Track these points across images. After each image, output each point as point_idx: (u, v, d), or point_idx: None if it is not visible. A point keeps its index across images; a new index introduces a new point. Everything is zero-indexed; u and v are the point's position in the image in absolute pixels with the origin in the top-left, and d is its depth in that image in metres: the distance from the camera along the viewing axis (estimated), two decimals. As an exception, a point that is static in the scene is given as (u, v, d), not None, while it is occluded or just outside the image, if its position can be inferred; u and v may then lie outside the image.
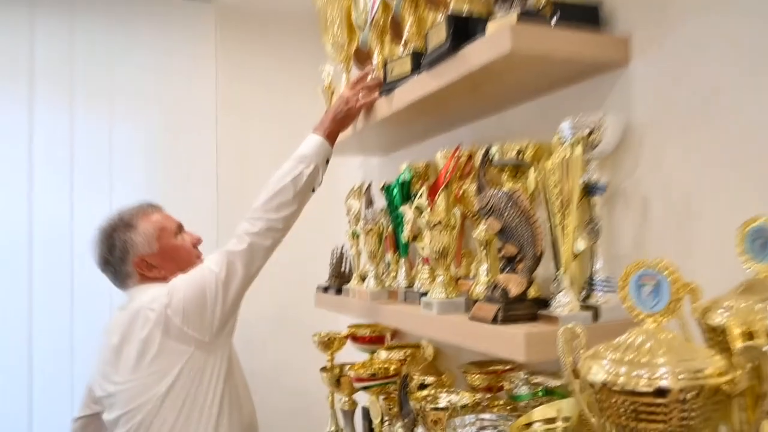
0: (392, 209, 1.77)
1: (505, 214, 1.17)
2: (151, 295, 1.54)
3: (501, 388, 1.48)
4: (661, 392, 0.66)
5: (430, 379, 1.69)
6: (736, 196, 1.03)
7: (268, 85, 2.97)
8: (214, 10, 2.79)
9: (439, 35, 1.30)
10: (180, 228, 1.72)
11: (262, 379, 2.89)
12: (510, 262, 1.17)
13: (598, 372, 0.71)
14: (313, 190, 1.63)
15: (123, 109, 2.65)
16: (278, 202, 1.53)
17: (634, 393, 0.67)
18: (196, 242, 1.74)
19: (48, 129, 2.52)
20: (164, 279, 1.61)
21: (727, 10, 1.04)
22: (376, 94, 1.66)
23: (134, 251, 1.62)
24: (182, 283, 1.51)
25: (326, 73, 2.23)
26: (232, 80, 2.89)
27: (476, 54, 1.18)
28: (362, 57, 1.89)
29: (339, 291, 1.98)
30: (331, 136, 1.64)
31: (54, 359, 2.47)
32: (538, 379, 1.34)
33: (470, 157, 1.54)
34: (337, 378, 2.06)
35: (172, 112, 2.72)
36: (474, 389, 1.50)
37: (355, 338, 2.12)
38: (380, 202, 1.90)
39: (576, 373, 0.82)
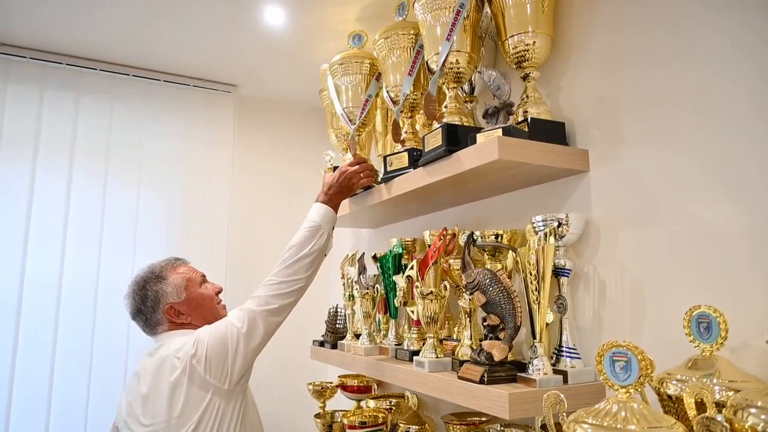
0: (385, 277, 1.81)
1: (490, 289, 1.22)
2: (178, 344, 1.52)
3: (478, 438, 1.50)
4: (633, 453, 0.70)
5: (414, 428, 1.69)
6: (678, 285, 1.10)
7: (277, 164, 3.04)
8: (233, 99, 2.87)
9: (435, 139, 1.39)
10: (204, 278, 1.72)
11: (262, 420, 2.83)
12: (493, 330, 1.22)
13: (581, 434, 0.75)
14: (325, 255, 1.63)
15: (149, 181, 2.67)
16: (296, 268, 1.53)
17: (611, 453, 0.71)
18: (218, 291, 1.73)
19: (84, 194, 2.52)
20: (190, 325, 1.61)
21: (667, 129, 1.15)
22: (372, 179, 1.75)
23: (165, 300, 1.62)
24: (207, 335, 1.50)
25: (329, 157, 2.31)
26: (247, 159, 2.96)
27: (468, 158, 1.26)
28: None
29: (334, 346, 1.99)
30: (336, 206, 1.66)
31: (70, 409, 2.38)
32: (512, 430, 1.36)
33: (453, 236, 1.61)
34: (329, 424, 2.04)
35: (192, 184, 2.75)
36: (454, 438, 1.51)
37: (344, 387, 2.11)
38: (371, 268, 1.94)
39: (559, 429, 0.86)
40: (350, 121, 1.93)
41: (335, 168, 1.81)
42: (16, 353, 2.31)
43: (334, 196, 1.66)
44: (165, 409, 1.44)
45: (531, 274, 1.18)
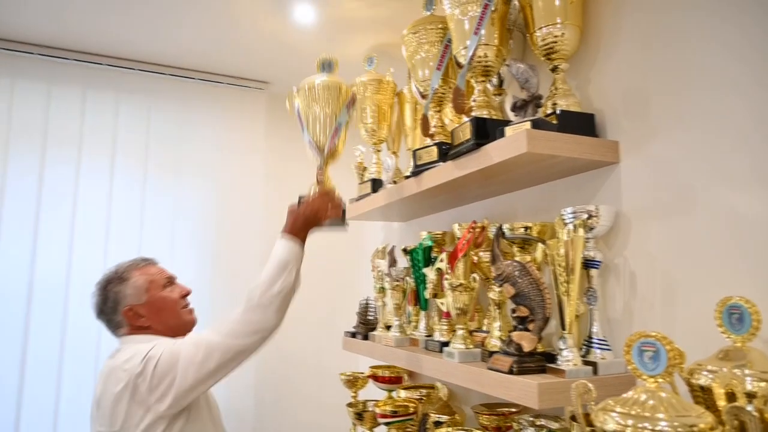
0: (415, 269, 1.83)
1: (519, 281, 1.23)
2: (129, 353, 1.47)
3: (508, 428, 1.51)
4: (661, 441, 0.71)
5: (444, 418, 1.71)
6: (710, 276, 1.09)
7: (310, 161, 3.08)
8: (265, 96, 2.93)
9: (464, 133, 1.40)
10: (170, 281, 1.66)
11: (295, 411, 2.90)
12: (522, 322, 1.23)
13: (609, 422, 0.76)
14: (294, 292, 1.53)
15: (186, 179, 2.74)
16: (263, 308, 1.43)
17: (640, 441, 0.72)
18: (185, 294, 1.67)
19: (124, 196, 2.61)
20: (150, 329, 1.57)
21: (700, 121, 1.13)
22: (340, 212, 1.67)
23: (124, 302, 1.57)
24: (158, 354, 1.43)
25: (359, 152, 2.34)
26: (278, 156, 3.01)
27: (497, 151, 1.27)
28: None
29: (365, 337, 2.02)
30: (303, 240, 1.58)
31: (82, 400, 2.48)
32: (542, 421, 1.37)
33: (483, 229, 1.62)
34: (360, 413, 2.07)
35: (226, 181, 2.82)
36: (484, 428, 1.53)
37: (376, 378, 2.14)
38: (401, 261, 1.96)
39: (587, 421, 0.87)
40: (319, 149, 1.80)
41: (299, 199, 1.67)
42: (27, 345, 2.38)
43: (300, 230, 1.57)
44: (108, 420, 1.42)
45: (560, 266, 1.19)
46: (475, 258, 1.58)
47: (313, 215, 1.59)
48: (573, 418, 1.16)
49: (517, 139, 1.20)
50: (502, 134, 1.28)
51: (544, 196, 1.55)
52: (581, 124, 1.30)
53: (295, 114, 1.86)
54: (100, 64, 2.59)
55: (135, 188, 2.64)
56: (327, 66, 1.86)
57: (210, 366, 1.40)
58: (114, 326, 1.60)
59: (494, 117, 1.44)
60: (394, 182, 1.92)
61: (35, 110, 2.50)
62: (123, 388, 1.41)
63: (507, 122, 1.32)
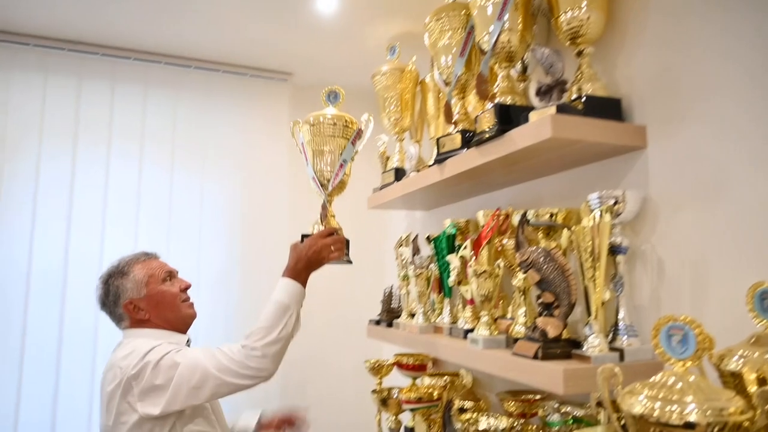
0: (439, 257, 1.83)
1: (544, 267, 1.23)
2: (128, 349, 1.49)
3: (532, 415, 1.51)
4: (689, 425, 0.70)
5: (468, 404, 1.72)
6: (740, 262, 1.07)
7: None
8: (288, 87, 2.95)
9: (488, 120, 1.39)
10: (170, 275, 1.67)
11: (319, 397, 2.94)
12: (547, 308, 1.23)
13: (636, 405, 0.75)
14: (293, 336, 1.52)
15: (212, 170, 2.79)
16: (261, 354, 1.42)
17: (667, 425, 0.72)
18: (185, 288, 1.68)
19: (152, 186, 2.67)
20: (150, 322, 1.60)
21: (730, 105, 1.11)
22: (343, 252, 1.64)
23: (125, 296, 1.59)
24: (154, 361, 1.43)
25: (382, 142, 2.35)
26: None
27: (521, 137, 1.26)
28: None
29: (390, 324, 2.03)
30: (304, 282, 1.56)
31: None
32: (567, 408, 1.37)
33: (507, 217, 1.61)
34: (384, 399, 2.09)
35: (251, 171, 2.85)
36: (509, 415, 1.53)
37: (400, 365, 2.16)
38: (425, 250, 1.96)
39: (614, 407, 0.87)
40: (322, 186, 1.73)
41: (305, 237, 1.63)
42: (62, 330, 2.46)
43: (302, 271, 1.55)
44: (105, 414, 1.47)
45: (586, 252, 1.18)
46: (500, 245, 1.58)
47: (315, 256, 1.56)
48: (599, 404, 1.16)
49: (541, 124, 1.19)
50: (526, 120, 1.27)
51: (569, 183, 1.54)
52: (607, 108, 1.28)
53: (300, 146, 1.78)
54: (128, 58, 2.64)
55: (163, 178, 2.69)
56: (333, 97, 1.79)
57: (201, 394, 1.42)
58: (116, 319, 1.63)
59: (518, 103, 1.42)
60: (417, 171, 1.92)
61: (67, 104, 2.56)
62: (116, 386, 1.44)
63: (531, 108, 1.31)
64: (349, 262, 1.70)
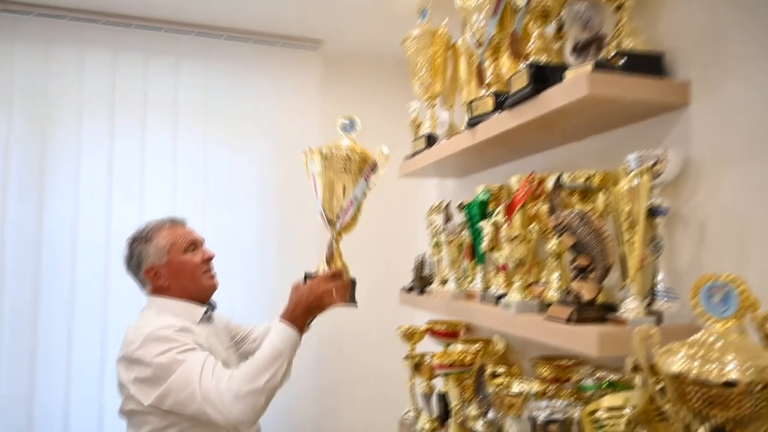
0: (471, 224, 1.81)
1: (579, 230, 1.20)
2: (138, 324, 1.53)
3: (566, 380, 1.50)
4: (730, 384, 0.69)
5: (501, 370, 1.72)
6: (789, 221, 1.02)
7: (364, 118, 3.08)
8: (319, 56, 2.94)
9: (521, 80, 1.35)
10: (194, 244, 1.66)
11: (353, 363, 3.00)
12: (582, 272, 1.20)
13: (674, 364, 0.74)
14: (281, 385, 1.48)
15: (243, 140, 2.82)
16: (243, 404, 1.39)
17: (706, 383, 0.70)
18: (208, 258, 1.67)
19: (187, 157, 2.73)
20: (169, 290, 1.61)
21: (783, 60, 1.04)
22: (347, 295, 1.59)
23: (146, 262, 1.61)
24: (156, 352, 1.44)
25: (413, 108, 2.32)
26: (334, 113, 3.01)
27: (555, 97, 1.22)
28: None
29: (422, 291, 2.04)
30: (302, 328, 1.53)
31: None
32: (602, 373, 1.35)
33: (541, 182, 1.57)
34: (417, 365, 2.11)
35: (282, 140, 2.87)
36: (542, 380, 1.53)
37: (433, 332, 2.17)
38: (457, 217, 1.95)
39: (651, 371, 0.85)
40: (330, 223, 1.63)
41: (308, 277, 1.58)
42: (108, 297, 2.55)
43: (300, 316, 1.51)
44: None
45: (623, 214, 1.14)
46: (533, 210, 1.55)
47: (316, 301, 1.52)
48: (635, 368, 1.14)
49: (577, 82, 1.15)
50: (561, 79, 1.22)
51: (606, 146, 1.49)
52: (648, 64, 1.23)
53: (310, 177, 1.68)
54: (160, 29, 2.67)
55: (196, 149, 2.74)
56: (349, 126, 1.70)
57: (184, 410, 1.43)
58: (140, 283, 1.67)
59: (553, 62, 1.38)
60: (449, 137, 1.89)
61: (103, 77, 2.62)
62: (121, 357, 1.50)
63: (567, 67, 1.26)
64: (354, 305, 1.62)
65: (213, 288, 1.69)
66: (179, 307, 1.61)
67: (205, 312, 1.65)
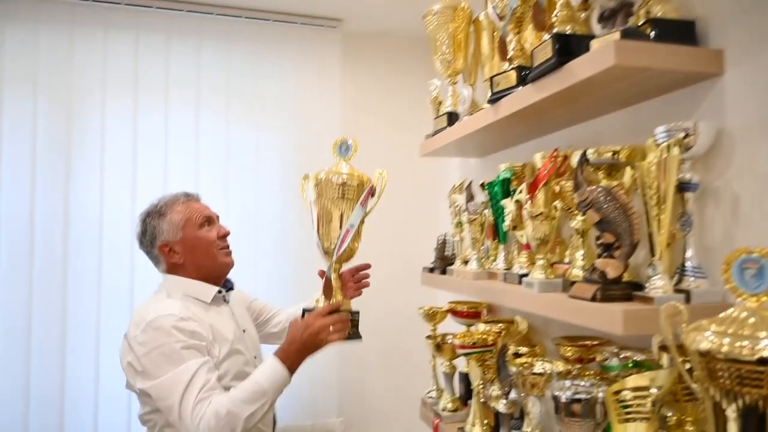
0: (494, 203, 1.78)
1: (604, 206, 1.16)
2: (147, 308, 1.51)
3: (590, 360, 1.47)
4: (763, 361, 0.65)
5: (524, 350, 1.70)
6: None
7: (385, 97, 3.07)
8: (339, 34, 2.91)
9: (545, 52, 1.30)
10: (209, 220, 1.62)
11: (374, 346, 3.01)
12: (607, 249, 1.16)
13: (703, 341, 0.71)
14: (259, 422, 1.45)
15: (265, 117, 2.83)
16: (227, 425, 1.37)
17: (737, 361, 0.67)
18: (223, 235, 1.63)
19: (209, 134, 2.76)
20: (184, 268, 1.58)
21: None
22: (347, 331, 1.52)
23: (160, 238, 1.57)
24: (154, 345, 1.43)
25: (434, 86, 2.28)
26: (354, 95, 3.01)
27: (581, 68, 1.18)
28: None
29: (443, 272, 2.02)
30: (294, 366, 1.47)
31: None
32: (627, 353, 1.32)
33: (566, 159, 1.53)
34: (439, 345, 2.10)
35: (303, 119, 2.87)
36: (565, 360, 1.50)
37: (455, 313, 2.15)
38: (479, 197, 1.91)
39: (678, 350, 0.82)
40: (326, 253, 1.56)
41: (306, 311, 1.53)
42: (134, 273, 2.58)
43: (293, 354, 1.46)
44: None
45: (651, 189, 1.10)
46: (557, 187, 1.51)
47: (311, 339, 1.46)
48: (662, 347, 1.11)
49: (603, 51, 1.10)
50: (587, 49, 1.18)
51: (634, 120, 1.43)
52: (679, 32, 1.17)
53: (307, 204, 1.62)
54: (181, 10, 2.67)
55: (219, 129, 2.76)
56: (344, 149, 1.62)
57: (167, 415, 1.43)
58: (154, 260, 1.63)
59: (579, 32, 1.32)
60: (471, 114, 1.85)
61: (126, 58, 2.65)
62: (124, 336, 1.51)
63: (593, 37, 1.21)
64: (357, 339, 1.57)
65: (229, 265, 1.67)
66: (192, 288, 1.58)
67: (219, 292, 1.63)
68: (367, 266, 1.77)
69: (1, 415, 2.43)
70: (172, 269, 1.61)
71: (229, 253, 1.65)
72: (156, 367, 1.42)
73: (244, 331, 1.70)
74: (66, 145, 2.57)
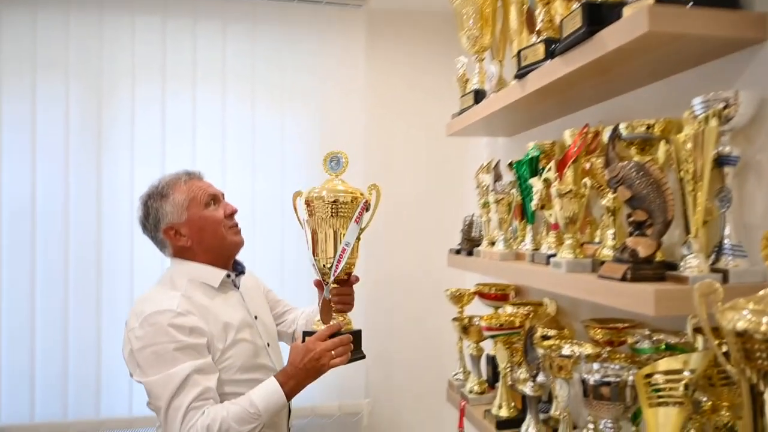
0: (521, 182, 1.73)
1: (636, 182, 1.11)
2: (153, 294, 1.47)
3: (621, 343, 1.42)
4: (805, 343, 0.61)
5: (552, 332, 1.66)
6: None
7: (411, 76, 3.03)
8: (363, 13, 2.87)
9: (574, 22, 1.25)
10: (215, 198, 1.54)
11: (400, 327, 3.01)
12: (639, 227, 1.12)
13: (740, 321, 0.67)
14: None
15: (291, 100, 2.84)
16: None
17: (776, 342, 0.63)
18: (231, 213, 1.55)
19: (235, 116, 2.78)
20: (191, 250, 1.52)
21: None
22: (349, 353, 1.46)
23: (165, 220, 1.49)
24: (148, 338, 1.38)
25: (461, 63, 2.22)
26: (380, 72, 2.99)
27: (612, 36, 1.12)
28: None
29: (470, 253, 1.99)
30: (293, 391, 1.42)
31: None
32: (660, 336, 1.27)
33: (597, 134, 1.47)
34: (465, 327, 2.08)
35: (328, 101, 2.87)
36: (595, 342, 1.46)
37: (482, 295, 2.13)
38: (507, 177, 1.87)
39: (714, 333, 0.78)
40: (322, 273, 1.51)
41: (306, 335, 1.47)
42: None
43: (293, 379, 1.40)
44: None
45: (687, 162, 1.05)
46: (587, 164, 1.46)
47: (312, 364, 1.39)
48: (696, 330, 1.06)
49: (636, 17, 1.04)
50: (618, 17, 1.12)
51: (669, 92, 1.36)
52: (719, -5, 1.10)
53: (300, 222, 1.55)
54: (206, -6, 2.69)
55: (245, 112, 2.78)
56: (334, 164, 1.54)
57: (156, 414, 1.40)
58: (159, 245, 1.55)
59: (610, 0, 1.26)
60: (497, 91, 1.80)
61: (153, 42, 2.69)
62: (126, 322, 1.48)
63: (625, 4, 1.15)
64: (361, 358, 1.51)
65: (239, 244, 1.59)
66: (199, 272, 1.52)
67: (228, 276, 1.56)
68: (353, 282, 1.60)
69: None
70: (179, 253, 1.54)
71: (238, 232, 1.58)
72: (148, 365, 1.39)
73: (255, 317, 1.62)
74: (97, 128, 2.65)
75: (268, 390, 1.40)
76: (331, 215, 1.46)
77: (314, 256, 1.50)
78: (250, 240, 2.68)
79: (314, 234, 1.49)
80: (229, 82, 2.76)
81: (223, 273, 1.54)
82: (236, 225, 1.58)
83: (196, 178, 1.56)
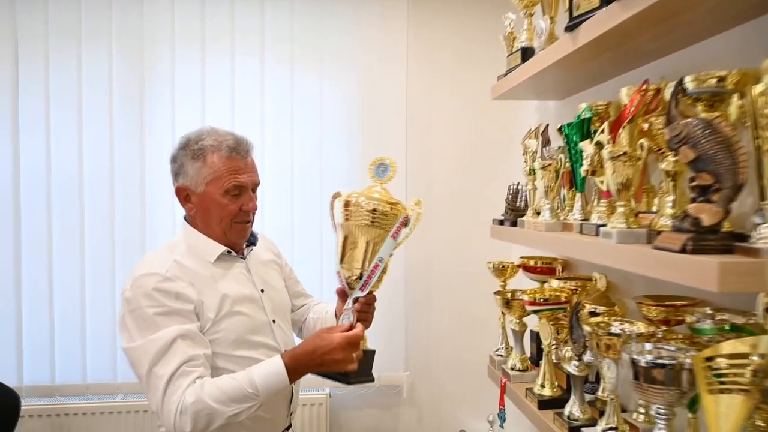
0: (571, 146, 1.60)
1: (702, 141, 0.97)
2: (151, 256, 1.46)
3: (678, 323, 1.30)
4: None
5: (601, 309, 1.55)
6: None
7: (455, 35, 2.92)
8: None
9: (634, -40, 1.10)
10: (240, 189, 1.45)
11: (441, 300, 2.94)
12: (704, 192, 0.99)
13: (828, 300, 0.55)
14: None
15: (331, 68, 2.81)
16: (197, 416, 1.27)
17: None
18: (247, 209, 1.46)
19: (274, 84, 2.79)
20: (194, 219, 1.48)
21: None
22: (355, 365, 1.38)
23: (182, 178, 1.44)
24: (131, 311, 1.34)
25: (509, 20, 2.08)
26: (422, 35, 2.88)
27: (679, -27, 0.98)
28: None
29: (514, 224, 1.88)
30: (296, 375, 1.36)
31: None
32: (725, 315, 1.14)
33: (658, 92, 1.33)
34: (508, 301, 1.98)
35: (368, 71, 2.82)
36: (648, 321, 1.34)
37: (526, 268, 2.02)
38: (556, 143, 1.74)
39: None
40: (349, 285, 1.44)
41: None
42: None
43: (303, 365, 1.34)
44: None
45: (764, 118, 0.91)
46: (645, 125, 1.32)
47: (327, 359, 1.34)
48: (768, 309, 0.93)
49: (709, -53, 0.90)
50: (687, -50, 0.97)
51: (744, 42, 1.20)
52: None
53: (333, 225, 1.48)
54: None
55: (284, 79, 2.77)
56: (381, 171, 1.45)
57: (133, 368, 1.35)
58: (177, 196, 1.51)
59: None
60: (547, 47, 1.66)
61: (193, 9, 2.70)
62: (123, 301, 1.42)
63: (696, -65, 1.00)
64: (370, 381, 1.47)
65: (237, 241, 1.52)
66: (198, 242, 1.47)
67: (228, 252, 1.50)
68: (372, 300, 1.52)
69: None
70: (188, 213, 1.51)
71: (244, 229, 1.50)
72: (132, 329, 1.34)
73: (262, 291, 1.55)
74: (139, 96, 2.71)
75: (270, 370, 1.33)
76: (368, 224, 1.39)
77: (341, 263, 1.44)
78: (288, 202, 2.70)
79: (345, 240, 1.42)
80: (268, 47, 2.75)
81: (221, 249, 1.48)
82: (247, 222, 1.50)
83: (238, 157, 1.45)
